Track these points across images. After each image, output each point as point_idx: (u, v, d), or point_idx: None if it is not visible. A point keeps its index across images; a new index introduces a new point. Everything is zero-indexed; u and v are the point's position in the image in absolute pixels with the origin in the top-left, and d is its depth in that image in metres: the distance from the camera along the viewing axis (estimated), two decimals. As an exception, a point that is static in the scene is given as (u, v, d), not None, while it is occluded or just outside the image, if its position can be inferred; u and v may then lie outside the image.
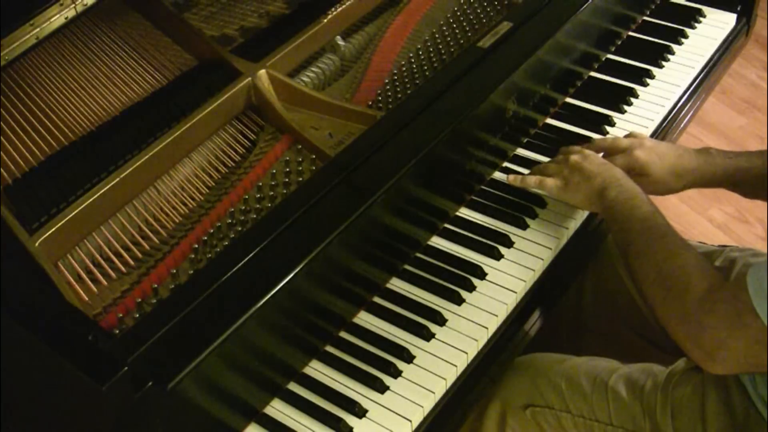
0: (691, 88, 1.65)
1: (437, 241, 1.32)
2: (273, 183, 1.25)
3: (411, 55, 1.48)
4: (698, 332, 1.06)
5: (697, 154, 1.36)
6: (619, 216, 1.23)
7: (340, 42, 1.49)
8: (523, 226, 1.34)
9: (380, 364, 1.16)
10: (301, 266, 1.07)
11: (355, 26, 1.55)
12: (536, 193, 1.38)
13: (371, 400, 1.12)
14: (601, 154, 1.41)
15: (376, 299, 1.24)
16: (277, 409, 1.12)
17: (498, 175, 1.43)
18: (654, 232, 1.18)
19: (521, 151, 1.48)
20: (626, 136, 1.41)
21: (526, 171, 1.43)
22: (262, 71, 1.35)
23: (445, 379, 1.15)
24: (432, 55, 1.49)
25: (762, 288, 1.00)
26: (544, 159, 1.44)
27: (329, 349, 1.19)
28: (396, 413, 1.11)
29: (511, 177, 1.37)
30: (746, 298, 1.01)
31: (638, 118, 1.56)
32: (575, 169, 1.31)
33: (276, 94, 1.34)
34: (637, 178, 1.35)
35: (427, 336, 1.19)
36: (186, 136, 1.26)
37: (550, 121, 1.55)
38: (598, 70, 1.66)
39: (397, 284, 1.26)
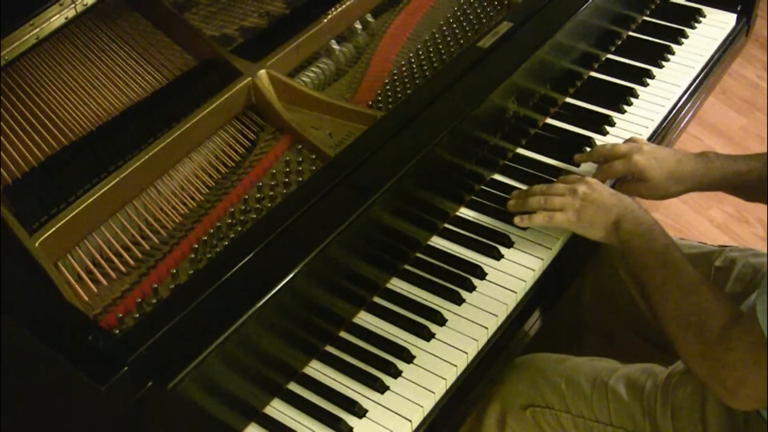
0: (691, 88, 1.65)
1: (437, 241, 1.32)
2: (273, 183, 1.25)
3: (411, 55, 1.48)
4: (719, 370, 1.06)
5: (695, 158, 1.36)
6: (635, 249, 1.21)
7: (335, 46, 1.48)
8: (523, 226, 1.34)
9: (380, 364, 1.16)
10: (301, 266, 1.07)
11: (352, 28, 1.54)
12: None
13: (371, 400, 1.12)
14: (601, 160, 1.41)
15: (376, 299, 1.24)
16: (277, 409, 1.12)
17: (498, 175, 1.43)
18: (671, 267, 1.16)
19: (521, 151, 1.48)
20: (625, 142, 1.41)
21: (526, 170, 1.43)
22: (262, 71, 1.35)
23: (445, 379, 1.15)
24: (432, 55, 1.48)
25: None
26: (544, 159, 1.45)
27: (329, 349, 1.19)
28: (396, 413, 1.11)
29: (517, 218, 1.32)
30: (760, 331, 1.00)
31: (638, 118, 1.56)
32: (587, 201, 1.26)
33: (276, 94, 1.34)
34: (637, 183, 1.35)
35: (427, 336, 1.19)
36: (186, 136, 1.26)
37: (550, 121, 1.55)
38: (598, 70, 1.66)
39: (397, 284, 1.26)
